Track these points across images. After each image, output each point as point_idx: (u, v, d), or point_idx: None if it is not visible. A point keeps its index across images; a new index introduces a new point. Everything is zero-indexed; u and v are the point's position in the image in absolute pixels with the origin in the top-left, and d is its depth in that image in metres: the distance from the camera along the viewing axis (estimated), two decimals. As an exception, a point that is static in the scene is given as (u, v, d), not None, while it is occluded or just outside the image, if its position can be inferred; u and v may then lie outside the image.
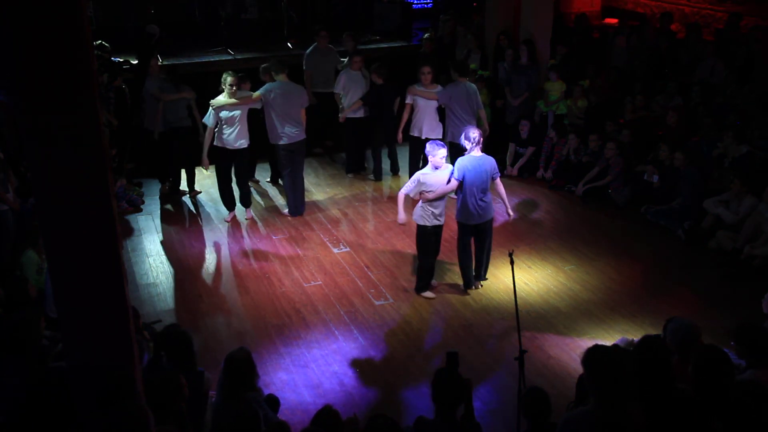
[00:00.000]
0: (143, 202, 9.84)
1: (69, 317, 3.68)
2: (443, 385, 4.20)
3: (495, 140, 10.98)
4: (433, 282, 7.67)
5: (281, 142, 9.03)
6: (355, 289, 7.77)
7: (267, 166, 10.54)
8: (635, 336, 5.66)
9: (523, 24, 11.47)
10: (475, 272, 7.71)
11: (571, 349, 6.65)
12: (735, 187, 8.36)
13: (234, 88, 8.65)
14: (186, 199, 10.05)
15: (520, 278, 7.72)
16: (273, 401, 5.02)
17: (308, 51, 11.08)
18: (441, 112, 9.59)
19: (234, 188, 9.33)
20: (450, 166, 7.27)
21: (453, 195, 7.46)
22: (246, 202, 9.40)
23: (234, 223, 9.28)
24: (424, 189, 7.16)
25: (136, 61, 11.27)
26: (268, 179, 10.55)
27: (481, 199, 7.29)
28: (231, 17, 12.88)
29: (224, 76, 8.71)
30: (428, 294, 7.55)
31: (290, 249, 8.64)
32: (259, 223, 9.30)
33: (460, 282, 7.77)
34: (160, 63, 10.52)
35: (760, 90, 9.88)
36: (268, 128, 9.01)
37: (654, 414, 3.72)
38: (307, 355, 6.67)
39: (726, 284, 7.75)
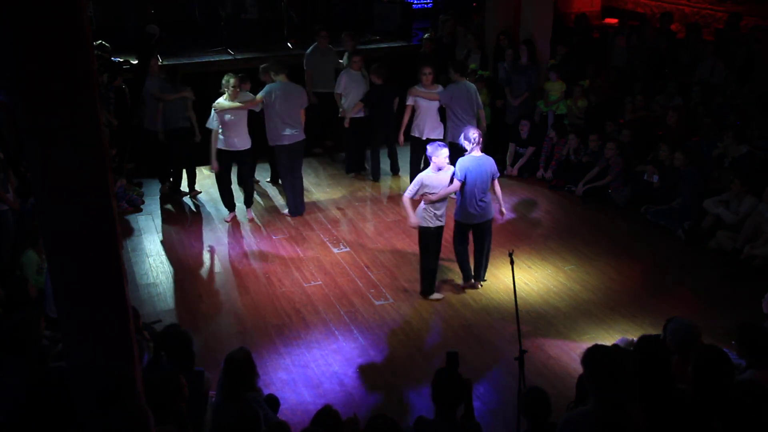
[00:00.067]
0: (143, 202, 9.84)
1: (69, 317, 3.68)
2: (443, 385, 4.20)
3: (495, 140, 11.00)
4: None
5: (281, 143, 9.02)
6: (355, 289, 7.77)
7: (267, 166, 10.54)
8: (635, 336, 5.65)
9: (523, 24, 11.47)
10: (474, 273, 7.71)
11: (571, 349, 6.65)
12: (735, 187, 8.36)
13: (237, 89, 8.64)
14: (186, 199, 10.05)
15: (520, 278, 7.72)
16: (273, 401, 5.02)
17: (308, 51, 11.09)
18: (441, 113, 9.59)
19: (234, 189, 9.33)
20: (451, 167, 7.27)
21: (453, 195, 7.46)
22: (249, 201, 9.41)
23: (234, 223, 9.28)
24: (426, 191, 7.14)
25: (136, 61, 11.28)
26: (268, 179, 10.55)
27: (482, 200, 7.29)
28: (231, 17, 12.88)
29: (226, 78, 8.68)
30: (436, 296, 7.54)
31: (290, 249, 8.64)
32: (259, 223, 9.30)
33: (460, 282, 7.78)
34: (160, 63, 10.52)
35: (760, 90, 9.88)
36: (268, 129, 9.00)
37: (654, 414, 3.72)
38: (307, 355, 6.67)
39: (726, 284, 7.75)
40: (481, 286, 7.73)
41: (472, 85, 9.45)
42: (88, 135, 3.38)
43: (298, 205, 9.46)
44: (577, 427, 3.55)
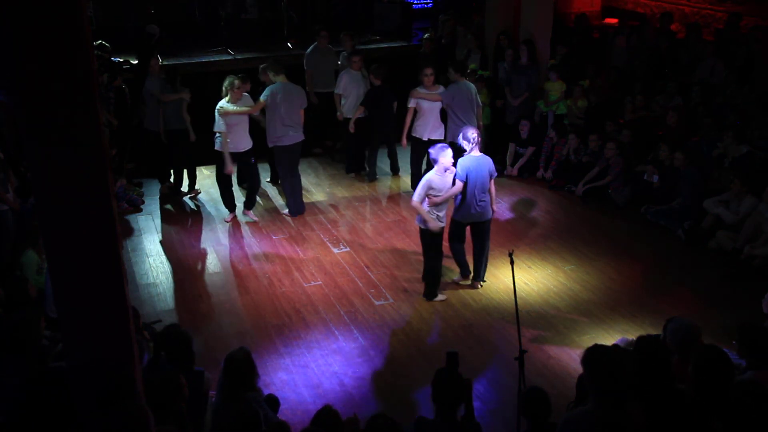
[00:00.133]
0: (143, 202, 9.84)
1: (69, 317, 3.68)
2: (443, 385, 4.20)
3: (495, 140, 11.00)
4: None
5: (282, 144, 9.02)
6: (355, 289, 7.77)
7: (267, 166, 10.53)
8: (635, 336, 5.66)
9: (523, 24, 11.47)
10: (474, 273, 7.71)
11: (571, 349, 6.65)
12: (735, 187, 8.36)
13: (241, 91, 8.60)
14: (186, 199, 10.05)
15: (520, 278, 7.72)
16: (273, 401, 5.02)
17: (308, 51, 11.09)
18: (442, 113, 9.57)
19: (234, 190, 9.33)
20: (454, 168, 7.26)
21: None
22: (249, 204, 9.35)
23: (234, 223, 9.28)
24: (431, 193, 7.13)
25: (136, 61, 11.28)
26: (268, 179, 10.54)
27: (482, 199, 7.30)
28: (231, 17, 12.88)
29: (229, 80, 8.62)
30: (439, 297, 7.54)
31: (290, 249, 8.64)
32: (260, 223, 9.29)
33: (460, 282, 7.78)
34: (160, 63, 10.52)
35: (760, 90, 9.88)
36: (269, 130, 8.97)
37: (654, 414, 3.72)
38: (307, 355, 6.67)
39: (726, 284, 7.75)
40: (481, 286, 7.73)
41: (472, 85, 9.44)
42: (88, 135, 3.37)
43: (297, 205, 9.46)
44: (577, 427, 3.55)
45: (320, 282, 7.90)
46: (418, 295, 7.57)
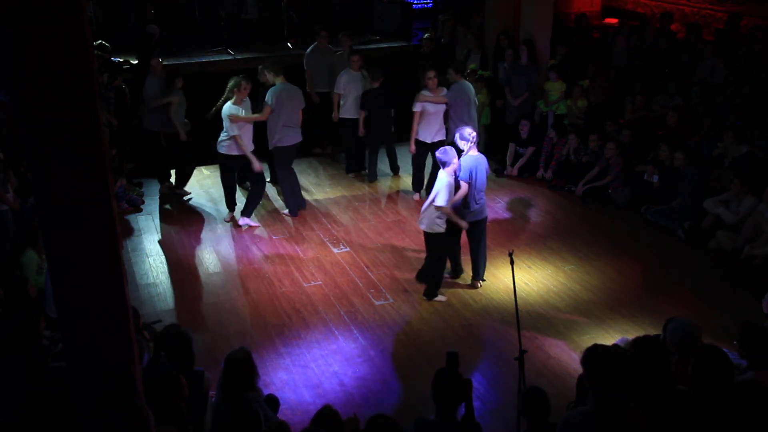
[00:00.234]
0: (143, 202, 9.83)
1: (69, 317, 3.68)
2: (443, 385, 4.20)
3: (495, 140, 10.99)
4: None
5: (284, 145, 9.02)
6: (355, 289, 7.77)
7: (266, 166, 10.51)
8: (635, 336, 5.66)
9: (523, 24, 11.47)
10: (473, 272, 7.71)
11: (571, 349, 6.65)
12: (735, 187, 8.36)
13: (247, 91, 8.58)
14: (186, 199, 10.03)
15: (520, 278, 7.72)
16: (273, 401, 5.02)
17: (308, 51, 11.09)
18: (443, 114, 9.56)
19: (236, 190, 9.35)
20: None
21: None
22: (248, 210, 9.27)
23: (234, 222, 9.27)
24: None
25: (136, 61, 11.29)
26: (268, 179, 10.53)
27: (480, 198, 7.31)
28: (231, 17, 12.89)
29: (236, 80, 8.56)
30: (440, 298, 7.53)
31: (290, 249, 8.64)
32: (259, 223, 9.29)
33: (460, 282, 7.78)
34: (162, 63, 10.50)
35: (760, 90, 9.89)
36: (270, 131, 8.95)
37: (654, 414, 3.72)
38: (307, 355, 6.67)
39: (726, 284, 7.75)
40: (481, 285, 7.73)
41: (470, 85, 9.44)
42: (88, 135, 3.37)
43: (297, 204, 9.46)
44: (577, 427, 3.55)
45: (320, 282, 7.90)
46: (418, 295, 7.57)
